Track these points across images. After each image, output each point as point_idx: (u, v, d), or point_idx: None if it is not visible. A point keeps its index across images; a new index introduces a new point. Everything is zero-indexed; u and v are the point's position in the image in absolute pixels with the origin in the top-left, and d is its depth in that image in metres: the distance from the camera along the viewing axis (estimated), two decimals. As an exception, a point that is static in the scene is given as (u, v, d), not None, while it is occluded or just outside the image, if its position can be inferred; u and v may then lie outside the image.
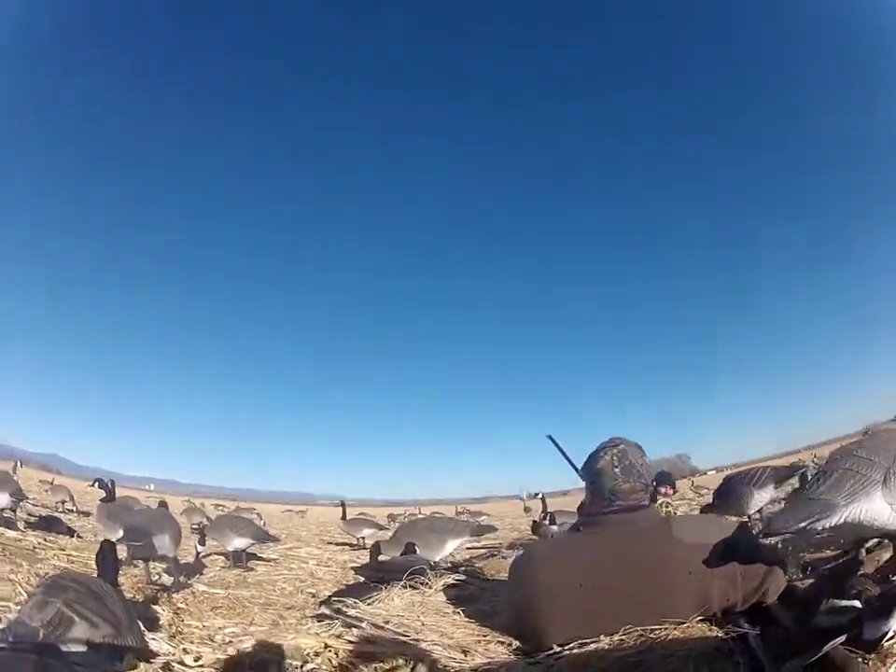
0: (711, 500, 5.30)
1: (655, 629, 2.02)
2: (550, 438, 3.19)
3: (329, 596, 3.80)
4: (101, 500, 5.95)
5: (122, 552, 4.41)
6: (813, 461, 9.51)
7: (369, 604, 2.86)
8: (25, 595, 3.02)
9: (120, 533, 4.88)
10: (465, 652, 2.19)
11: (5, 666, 2.04)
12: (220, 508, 17.94)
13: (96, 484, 6.20)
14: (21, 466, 12.63)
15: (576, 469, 2.91)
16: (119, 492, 6.48)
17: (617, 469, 2.34)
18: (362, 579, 4.98)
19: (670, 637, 1.98)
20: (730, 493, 5.03)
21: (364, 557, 7.48)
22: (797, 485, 4.99)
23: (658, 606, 2.07)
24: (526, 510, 18.42)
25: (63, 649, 2.19)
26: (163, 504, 7.96)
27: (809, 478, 5.05)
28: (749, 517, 4.80)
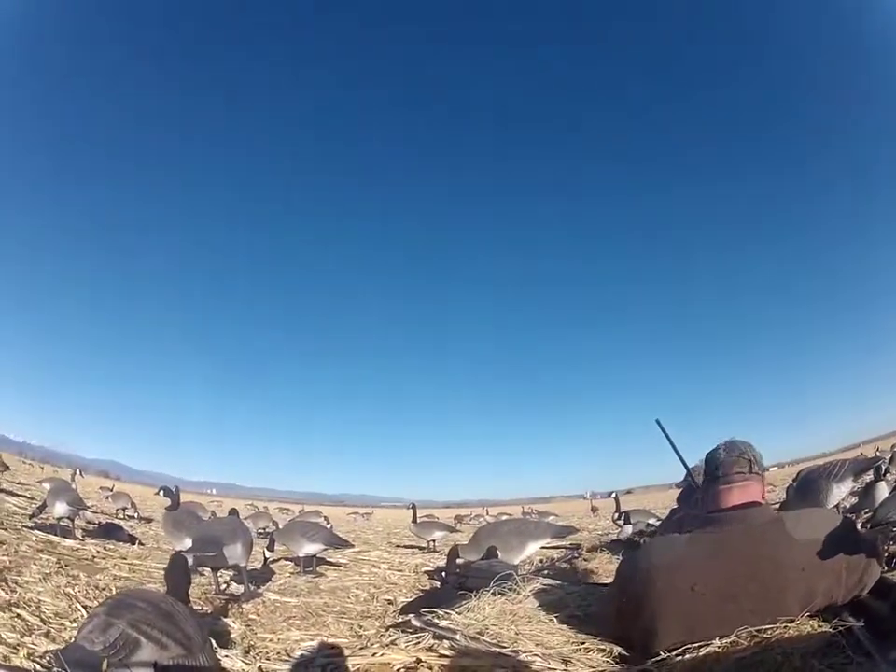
0: (786, 495, 5.35)
1: (768, 629, 1.95)
2: (658, 423, 3.14)
3: (409, 604, 3.76)
4: (166, 508, 5.81)
5: (189, 560, 4.26)
6: (877, 453, 9.60)
7: (459, 613, 2.67)
8: (83, 611, 2.89)
9: (189, 543, 4.72)
10: (566, 662, 2.06)
11: None
12: (285, 511, 18.06)
13: (161, 492, 6.07)
14: (81, 474, 12.73)
15: (679, 456, 3.03)
16: (182, 497, 6.40)
17: (721, 449, 2.37)
18: (437, 584, 4.86)
19: (785, 636, 1.92)
20: (809, 487, 5.01)
21: (435, 560, 7.34)
22: (873, 478, 5.06)
23: (768, 605, 2.02)
24: (593, 509, 18.33)
25: None
26: (234, 512, 7.73)
27: (883, 471, 5.20)
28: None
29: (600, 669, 2.01)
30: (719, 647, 1.93)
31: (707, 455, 2.44)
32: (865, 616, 1.94)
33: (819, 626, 1.96)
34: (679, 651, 1.96)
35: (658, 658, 1.97)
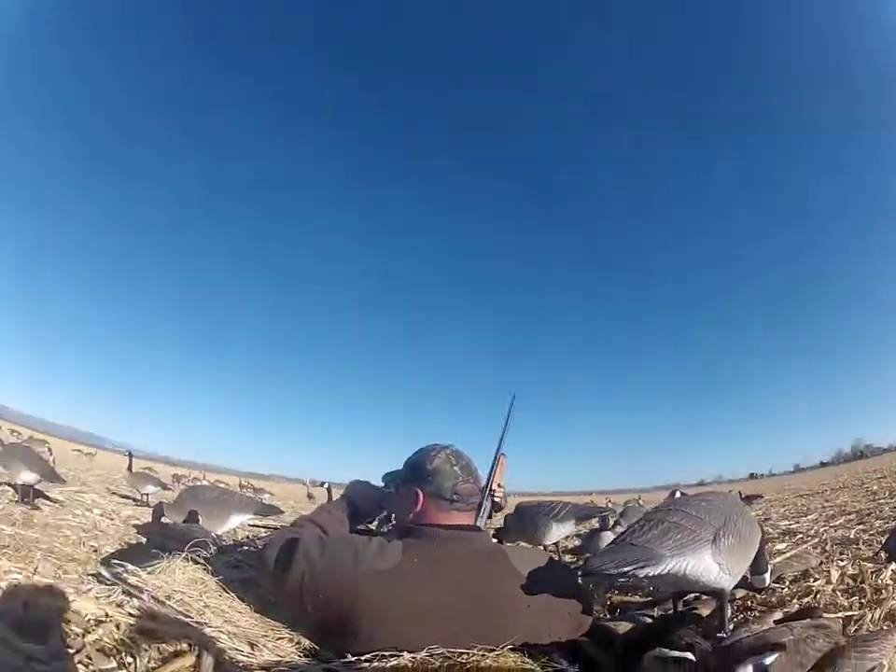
0: (504, 525, 5.09)
1: (463, 653, 1.87)
2: (513, 398, 2.82)
3: (111, 555, 3.57)
4: None
5: None
6: (608, 504, 9.97)
7: (149, 573, 2.54)
8: None
9: None
10: (252, 646, 2.00)
11: None
12: (15, 434, 16.62)
13: None
14: None
15: (500, 441, 2.73)
16: None
17: (456, 468, 2.24)
18: (144, 540, 4.58)
19: (481, 664, 1.86)
20: (527, 521, 4.90)
21: (146, 515, 6.78)
22: (597, 526, 5.29)
23: (493, 635, 1.93)
24: (310, 496, 18.19)
25: None
26: None
27: (610, 522, 5.35)
28: (545, 548, 4.79)
29: (287, 659, 1.95)
30: (409, 660, 1.86)
31: (431, 466, 2.25)
32: (582, 661, 1.93)
33: (522, 661, 1.90)
34: (368, 655, 1.88)
35: (347, 659, 1.90)
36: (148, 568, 2.56)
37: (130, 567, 2.48)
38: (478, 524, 2.36)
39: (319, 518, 2.55)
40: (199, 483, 14.42)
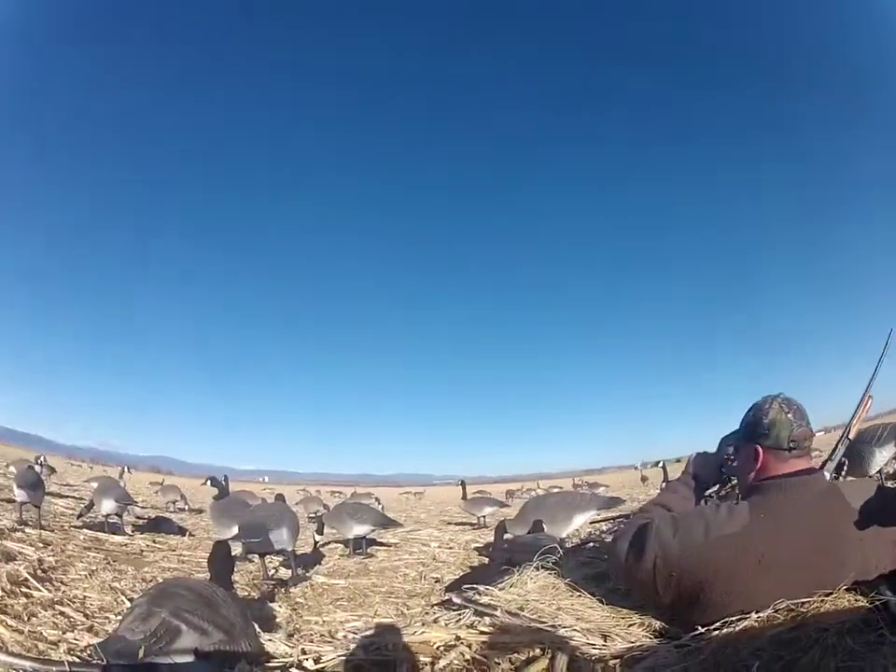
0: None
1: (805, 602, 1.88)
2: (889, 334, 2.65)
3: (456, 581, 3.66)
4: (214, 498, 5.90)
5: (237, 548, 4.29)
6: None
7: (500, 589, 2.67)
8: (129, 604, 2.86)
9: (235, 530, 4.78)
10: (605, 637, 2.04)
11: None
12: (337, 494, 18.24)
13: (209, 482, 6.12)
14: (130, 471, 12.46)
15: (870, 381, 2.63)
16: (232, 486, 6.39)
17: (790, 415, 2.16)
18: (487, 560, 4.82)
19: (822, 610, 1.85)
20: (851, 453, 4.54)
21: (486, 537, 7.34)
22: None
23: (830, 577, 1.92)
24: (643, 479, 18.20)
25: (166, 661, 2.01)
26: (280, 497, 7.71)
27: None
28: (871, 477, 4.68)
29: (638, 644, 1.96)
30: (756, 621, 1.87)
31: (767, 420, 2.20)
32: None
33: (855, 601, 1.90)
34: (717, 625, 1.89)
35: (695, 633, 1.90)
36: (500, 585, 2.70)
37: (481, 587, 2.64)
38: (828, 467, 2.48)
39: (664, 499, 2.57)
40: (533, 494, 14.73)
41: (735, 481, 2.69)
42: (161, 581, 2.99)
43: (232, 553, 3.23)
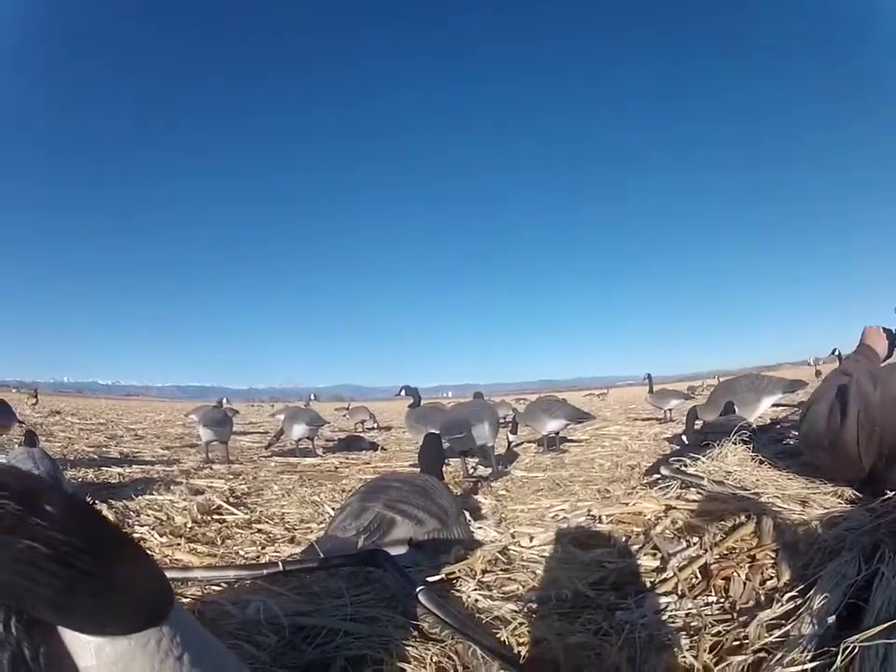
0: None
1: None
2: None
3: (655, 464, 3.74)
4: (409, 406, 6.10)
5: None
6: None
7: (704, 461, 2.87)
8: (331, 513, 2.96)
9: (435, 431, 4.78)
10: (802, 504, 2.16)
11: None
12: (522, 402, 18.48)
13: (403, 392, 6.14)
14: (316, 398, 12.21)
15: None
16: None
17: None
18: (678, 447, 4.80)
19: None
20: None
21: (673, 429, 7.23)
22: None
23: None
24: (818, 373, 17.33)
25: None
26: (479, 395, 7.27)
27: None
28: None
29: (833, 510, 2.02)
30: None
31: None
32: None
33: None
34: None
35: (885, 497, 1.92)
36: (703, 457, 2.93)
37: (687, 459, 2.88)
38: None
39: (847, 367, 2.53)
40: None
41: None
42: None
43: (442, 447, 3.35)
